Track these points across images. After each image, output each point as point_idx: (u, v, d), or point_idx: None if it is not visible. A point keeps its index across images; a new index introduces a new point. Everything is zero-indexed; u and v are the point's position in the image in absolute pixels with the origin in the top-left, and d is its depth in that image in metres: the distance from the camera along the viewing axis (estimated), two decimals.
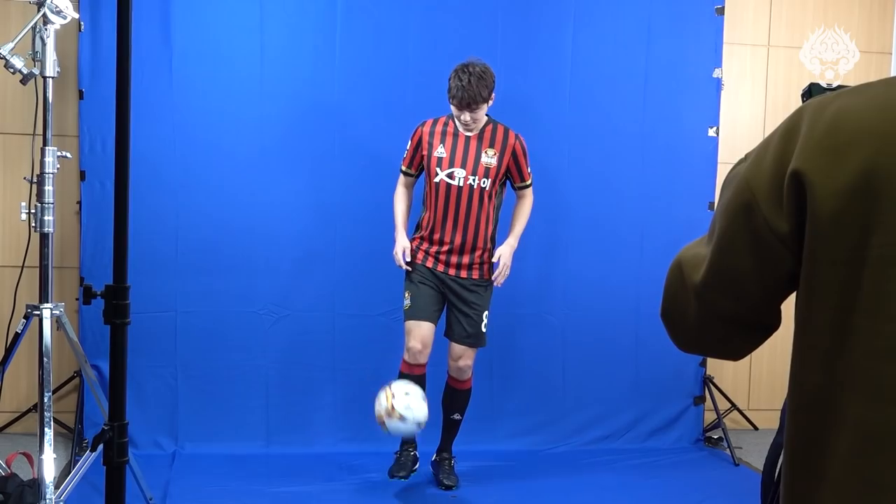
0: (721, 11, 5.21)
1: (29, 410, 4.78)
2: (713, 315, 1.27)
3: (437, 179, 4.25)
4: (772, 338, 1.30)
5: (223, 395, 4.85)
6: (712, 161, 5.23)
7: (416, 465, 4.40)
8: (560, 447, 5.07)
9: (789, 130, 1.19)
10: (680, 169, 5.20)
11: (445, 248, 4.26)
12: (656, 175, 5.16)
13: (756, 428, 5.50)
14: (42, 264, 3.69)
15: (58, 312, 3.68)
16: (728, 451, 5.03)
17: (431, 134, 4.28)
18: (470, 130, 4.25)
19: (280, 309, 4.89)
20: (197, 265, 4.80)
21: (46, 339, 3.59)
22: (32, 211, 3.66)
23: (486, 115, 4.25)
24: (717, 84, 5.23)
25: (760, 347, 1.33)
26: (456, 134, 4.26)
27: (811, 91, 2.96)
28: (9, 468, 3.77)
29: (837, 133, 1.13)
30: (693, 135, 5.22)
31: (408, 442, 4.39)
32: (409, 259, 4.27)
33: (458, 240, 4.25)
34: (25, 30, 3.60)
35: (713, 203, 5.12)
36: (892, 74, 5.38)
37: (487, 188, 4.24)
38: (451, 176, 4.24)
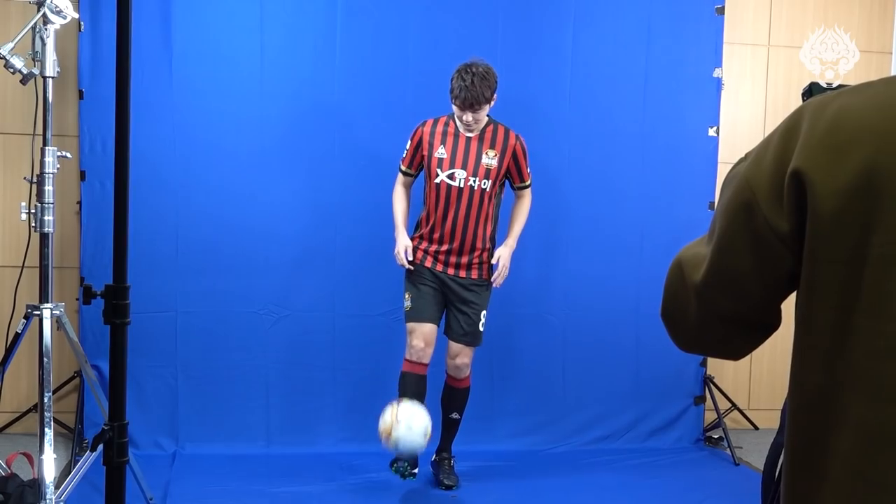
0: (721, 11, 5.21)
1: (29, 410, 4.78)
2: (713, 314, 1.27)
3: (437, 180, 4.25)
4: (772, 337, 1.30)
5: (223, 396, 4.85)
6: (712, 161, 5.23)
7: (417, 467, 4.38)
8: (560, 447, 5.07)
9: (790, 130, 1.19)
10: (680, 169, 5.20)
11: (445, 247, 4.26)
12: (656, 175, 5.16)
13: (756, 428, 5.50)
14: (42, 264, 3.69)
15: (58, 312, 3.68)
16: (728, 451, 5.03)
17: (432, 134, 4.28)
18: (471, 131, 4.25)
19: (280, 309, 4.89)
20: (197, 265, 4.80)
21: (46, 339, 3.59)
22: (32, 211, 3.66)
23: (487, 115, 4.24)
24: (718, 84, 5.23)
25: (761, 347, 1.33)
26: (457, 134, 4.26)
27: (811, 90, 2.96)
28: (9, 468, 3.76)
29: (838, 132, 1.13)
30: (693, 134, 5.22)
31: None
32: (411, 258, 4.27)
33: (457, 240, 4.25)
34: (25, 30, 3.60)
35: (713, 203, 5.11)
36: (893, 74, 5.38)
37: (488, 189, 4.24)
38: (451, 177, 4.24)
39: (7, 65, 3.60)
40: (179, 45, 4.75)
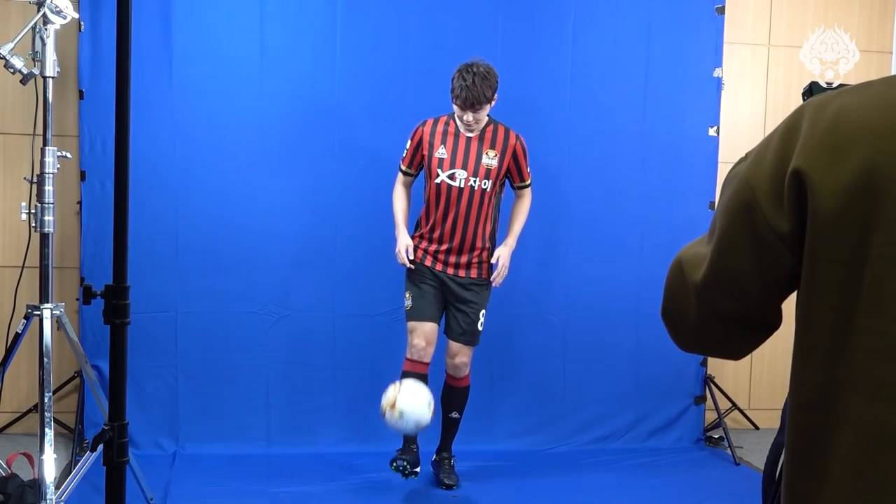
0: (721, 11, 5.21)
1: (29, 411, 4.78)
2: (714, 314, 1.27)
3: (437, 180, 4.25)
4: (772, 337, 1.30)
5: (224, 396, 4.85)
6: (713, 160, 5.23)
7: (419, 467, 4.38)
8: (560, 447, 5.07)
9: (790, 129, 1.19)
10: (680, 168, 5.20)
11: (445, 247, 4.26)
12: (657, 174, 5.16)
13: (757, 427, 5.49)
14: (42, 264, 3.69)
15: (58, 312, 3.68)
16: (729, 451, 5.02)
17: (432, 134, 4.28)
18: (471, 131, 4.25)
19: (280, 309, 4.89)
20: (197, 265, 4.80)
21: (47, 339, 3.59)
22: (32, 211, 3.66)
23: (488, 115, 4.24)
24: (718, 83, 5.23)
25: (761, 347, 1.33)
26: (457, 134, 4.26)
27: (812, 90, 2.96)
28: (9, 468, 3.77)
29: (838, 131, 1.13)
30: (693, 134, 5.22)
31: (409, 440, 4.39)
32: (412, 257, 4.27)
33: (457, 239, 4.25)
34: (25, 30, 3.60)
35: (714, 202, 5.11)
36: (893, 73, 5.38)
37: (488, 189, 4.24)
38: (452, 177, 4.24)
39: (7, 65, 3.60)
40: (179, 44, 4.75)
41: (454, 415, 4.41)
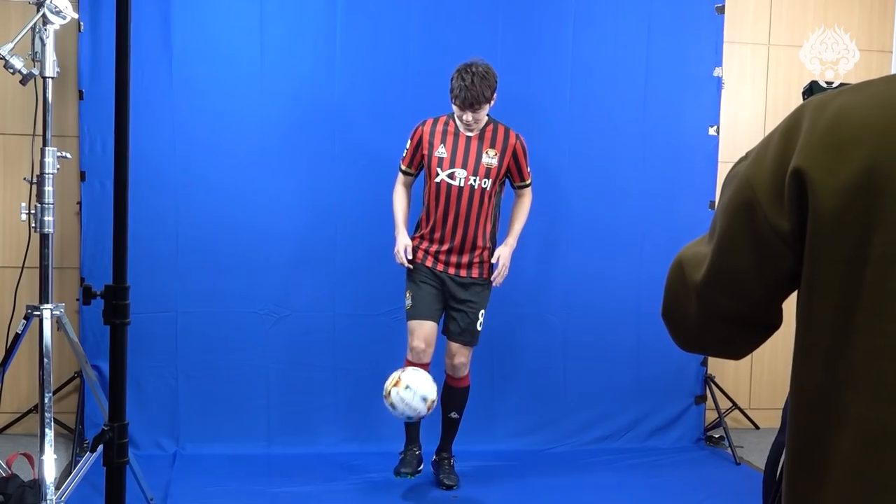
0: (721, 10, 5.21)
1: (30, 411, 4.78)
2: (714, 314, 1.27)
3: (437, 179, 4.24)
4: (773, 336, 1.30)
5: (224, 396, 4.84)
6: (713, 160, 5.23)
7: (421, 466, 4.39)
8: (560, 447, 5.06)
9: (790, 128, 1.18)
10: (680, 168, 5.20)
11: (445, 247, 4.26)
12: (657, 174, 5.16)
13: (757, 427, 5.49)
14: (42, 265, 3.69)
15: (58, 313, 3.68)
16: (729, 451, 5.02)
17: (432, 133, 4.28)
18: (471, 130, 4.25)
19: (281, 309, 4.89)
20: (197, 265, 4.80)
21: (47, 339, 3.59)
22: (32, 211, 3.66)
23: (487, 115, 4.24)
24: (718, 83, 5.22)
25: (761, 346, 1.33)
26: (457, 134, 4.26)
27: (812, 89, 2.95)
28: (9, 469, 3.76)
29: (839, 130, 1.13)
30: (693, 134, 5.22)
31: (412, 441, 4.39)
32: (410, 257, 4.27)
33: (458, 239, 4.25)
34: (25, 30, 3.60)
35: (714, 202, 5.11)
36: (893, 72, 5.38)
37: (488, 188, 4.24)
38: (451, 176, 4.23)
39: (7, 65, 3.59)
40: (179, 44, 4.75)
41: (454, 415, 4.41)
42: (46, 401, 3.52)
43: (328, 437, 4.90)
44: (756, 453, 5.01)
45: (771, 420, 5.31)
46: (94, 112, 4.69)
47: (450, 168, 4.23)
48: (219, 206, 4.82)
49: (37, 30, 3.60)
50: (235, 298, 4.84)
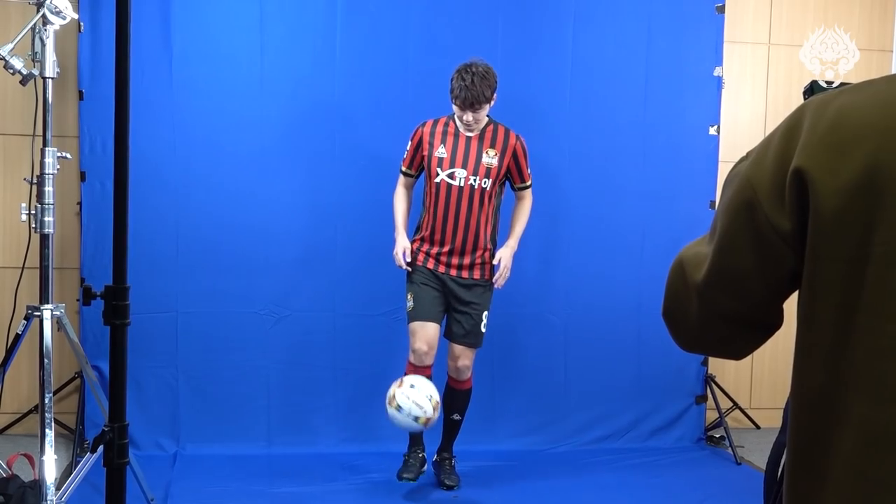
0: (722, 10, 5.21)
1: (30, 412, 4.77)
2: (715, 314, 1.27)
3: (437, 180, 4.24)
4: (774, 336, 1.29)
5: (224, 396, 4.84)
6: (713, 159, 5.23)
7: (424, 467, 4.38)
8: (561, 447, 5.06)
9: (791, 128, 1.18)
10: (681, 167, 5.20)
11: (446, 248, 4.26)
12: (657, 173, 5.16)
13: (758, 427, 5.49)
14: (42, 265, 3.69)
15: (58, 313, 3.68)
16: (730, 450, 5.02)
17: (432, 134, 4.28)
18: (471, 131, 4.25)
19: (281, 309, 4.89)
20: (197, 265, 4.80)
21: (47, 340, 3.59)
22: (32, 212, 3.65)
23: (487, 115, 4.24)
24: (718, 82, 5.22)
25: (762, 346, 1.32)
26: (457, 134, 4.25)
27: (813, 89, 2.95)
28: (10, 469, 3.77)
29: (840, 130, 1.13)
30: (694, 133, 5.22)
31: (415, 443, 4.39)
32: (409, 259, 4.27)
33: (458, 240, 4.24)
34: (25, 30, 3.59)
35: (714, 202, 5.11)
36: (893, 72, 5.37)
37: (488, 188, 4.24)
38: (451, 176, 4.23)
39: (7, 66, 3.59)
40: (179, 44, 4.75)
41: (455, 416, 4.41)
42: (47, 401, 3.52)
43: (328, 437, 4.90)
44: (757, 453, 5.01)
45: (772, 420, 5.31)
46: (94, 112, 4.69)
47: (450, 168, 4.23)
48: (219, 207, 4.82)
49: (37, 30, 3.59)
50: (235, 298, 4.84)
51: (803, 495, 1.18)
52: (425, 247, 4.29)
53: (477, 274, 4.30)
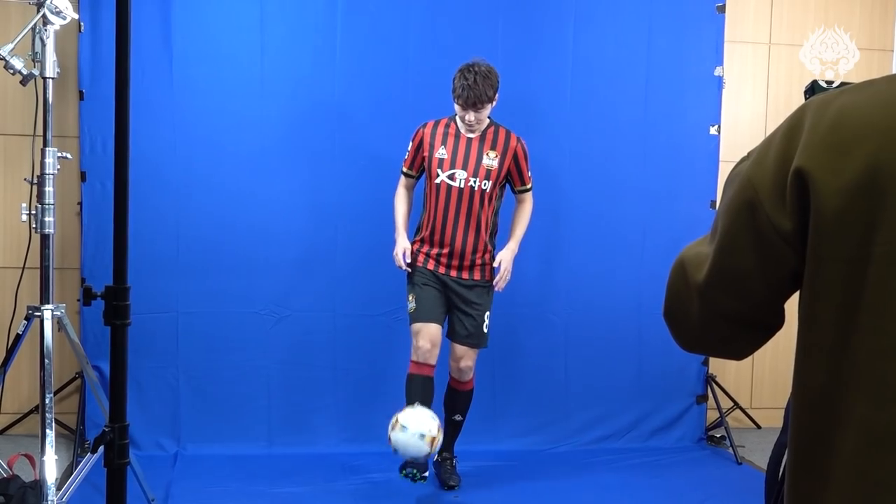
0: (722, 9, 5.20)
1: (31, 412, 4.77)
2: (716, 314, 1.26)
3: (437, 180, 4.24)
4: (775, 336, 1.29)
5: (225, 396, 4.84)
6: (714, 159, 5.23)
7: (427, 473, 4.34)
8: (562, 447, 5.06)
9: (792, 128, 1.18)
10: (681, 167, 5.19)
11: (446, 250, 4.25)
12: (658, 173, 5.16)
13: (759, 426, 5.49)
14: (43, 265, 3.69)
15: (59, 313, 3.68)
16: (731, 450, 5.02)
17: (433, 135, 4.27)
18: (472, 131, 4.24)
19: (281, 309, 4.89)
20: (198, 265, 4.80)
21: (48, 340, 3.59)
22: (33, 212, 3.65)
23: (489, 117, 4.24)
24: (719, 82, 5.22)
25: (763, 346, 1.32)
26: (458, 135, 4.25)
27: (814, 88, 2.95)
28: (11, 470, 3.76)
29: (840, 130, 1.13)
30: (694, 133, 5.21)
31: None
32: (409, 260, 4.26)
33: (458, 241, 4.24)
34: (25, 30, 3.59)
35: (715, 201, 5.11)
36: (894, 72, 5.37)
37: (488, 190, 4.23)
38: (451, 177, 4.23)
39: (7, 66, 3.59)
40: (179, 44, 4.75)
41: (457, 417, 4.40)
42: (47, 401, 3.52)
43: (329, 437, 4.90)
44: (758, 453, 5.01)
45: (773, 420, 5.31)
46: (94, 112, 4.69)
47: (450, 169, 4.23)
48: (219, 207, 4.82)
49: (37, 30, 3.59)
50: (236, 299, 4.84)
51: (804, 495, 1.18)
52: (425, 248, 4.29)
53: (477, 275, 4.29)
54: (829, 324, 1.14)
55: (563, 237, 5.11)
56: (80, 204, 4.76)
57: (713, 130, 5.22)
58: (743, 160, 1.26)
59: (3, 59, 3.56)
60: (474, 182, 4.22)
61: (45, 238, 3.66)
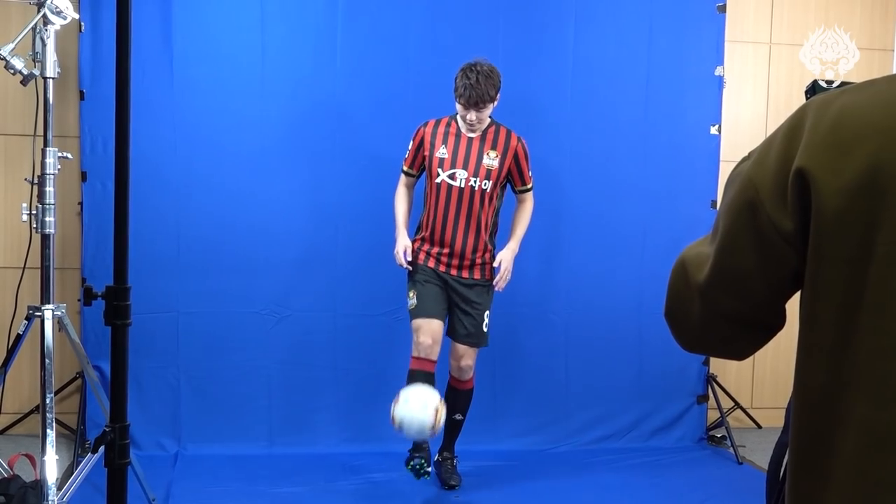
0: (723, 9, 5.20)
1: (31, 412, 4.78)
2: (717, 314, 1.26)
3: (438, 180, 4.24)
4: (776, 336, 1.29)
5: (225, 396, 4.84)
6: (714, 159, 5.23)
7: (430, 468, 4.33)
8: (563, 447, 5.06)
9: (793, 128, 1.18)
10: (682, 167, 5.19)
11: (446, 249, 4.25)
12: (658, 173, 5.15)
13: (759, 426, 5.49)
14: (43, 265, 3.69)
15: (59, 313, 3.68)
16: (731, 450, 5.02)
17: (434, 134, 4.27)
18: (474, 131, 4.24)
19: (282, 309, 4.88)
20: (199, 265, 4.80)
21: (48, 340, 3.59)
22: (33, 212, 3.65)
23: (490, 116, 4.24)
24: (719, 82, 5.22)
25: (764, 346, 1.32)
26: (458, 135, 4.25)
27: (815, 88, 2.95)
28: (11, 470, 3.76)
29: (841, 130, 1.13)
30: (695, 133, 5.21)
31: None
32: (409, 258, 4.26)
33: (458, 241, 4.24)
34: (26, 30, 3.59)
35: (715, 201, 5.11)
36: (894, 72, 5.37)
37: (488, 190, 4.23)
38: (452, 177, 4.23)
39: (7, 66, 3.59)
40: (180, 44, 4.75)
41: (458, 416, 4.40)
42: (48, 401, 3.52)
43: (329, 437, 4.90)
44: (758, 453, 5.01)
45: (773, 419, 5.31)
46: (94, 112, 4.69)
47: (451, 169, 4.23)
48: (220, 207, 4.82)
49: (37, 30, 3.59)
50: (237, 299, 4.84)
51: (805, 495, 1.18)
52: (426, 246, 4.29)
53: (477, 274, 4.30)
54: (829, 324, 1.14)
55: (564, 237, 5.11)
56: (81, 204, 4.76)
57: (714, 130, 5.22)
58: (744, 160, 1.26)
59: (4, 58, 3.56)
60: (475, 182, 4.22)
61: (45, 238, 3.66)
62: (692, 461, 4.98)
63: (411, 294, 4.27)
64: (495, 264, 4.30)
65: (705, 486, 4.56)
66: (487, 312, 4.32)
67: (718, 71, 5.21)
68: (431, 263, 4.27)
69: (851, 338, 1.12)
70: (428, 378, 4.16)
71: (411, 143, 4.33)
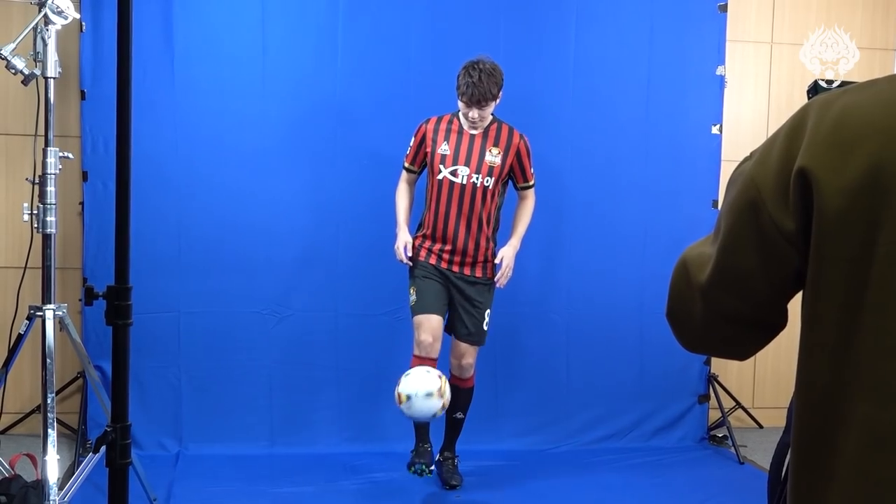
0: (724, 9, 5.20)
1: (32, 412, 4.78)
2: (719, 314, 1.26)
3: (440, 177, 4.24)
4: (777, 336, 1.29)
5: (226, 396, 4.84)
6: (716, 159, 5.23)
7: (433, 466, 4.33)
8: (564, 446, 5.06)
9: (795, 128, 1.18)
10: (683, 166, 5.19)
11: (448, 246, 4.26)
12: (660, 172, 5.15)
13: (761, 426, 5.48)
14: (44, 265, 3.69)
15: (61, 313, 3.68)
16: (733, 450, 5.02)
17: (436, 131, 4.27)
18: (476, 128, 4.24)
19: (283, 309, 4.89)
20: (200, 265, 4.80)
21: (49, 340, 3.59)
22: (35, 212, 3.66)
23: (492, 114, 4.24)
24: (721, 81, 5.22)
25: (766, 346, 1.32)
26: (460, 132, 4.25)
27: (816, 88, 2.94)
28: (12, 469, 3.77)
29: (843, 130, 1.13)
30: (696, 132, 5.21)
31: (422, 439, 4.36)
32: (410, 254, 4.26)
33: (460, 238, 4.24)
34: (27, 30, 3.60)
35: (717, 200, 5.11)
36: (895, 72, 5.37)
37: (490, 187, 4.23)
38: (454, 173, 4.23)
39: (9, 65, 3.59)
40: (181, 44, 4.75)
41: (458, 415, 4.40)
42: (49, 401, 3.52)
43: (330, 437, 4.89)
44: (760, 452, 5.01)
45: (775, 419, 5.31)
46: (96, 112, 4.69)
47: (452, 165, 4.23)
48: (221, 206, 4.82)
49: (38, 30, 3.60)
50: (238, 298, 4.84)
51: (807, 495, 1.18)
52: (427, 243, 4.29)
53: (479, 272, 4.30)
54: (831, 323, 1.14)
55: (565, 235, 5.11)
56: (82, 204, 4.76)
57: (715, 129, 5.22)
58: (745, 160, 1.26)
59: (5, 58, 3.56)
60: (477, 179, 4.22)
61: (46, 238, 3.66)
62: (693, 461, 4.98)
63: (412, 290, 4.28)
64: (496, 261, 4.30)
65: (707, 486, 4.56)
66: (488, 311, 4.32)
67: (720, 70, 5.21)
68: (433, 260, 4.27)
69: (853, 338, 1.12)
70: None
71: (413, 139, 4.32)
